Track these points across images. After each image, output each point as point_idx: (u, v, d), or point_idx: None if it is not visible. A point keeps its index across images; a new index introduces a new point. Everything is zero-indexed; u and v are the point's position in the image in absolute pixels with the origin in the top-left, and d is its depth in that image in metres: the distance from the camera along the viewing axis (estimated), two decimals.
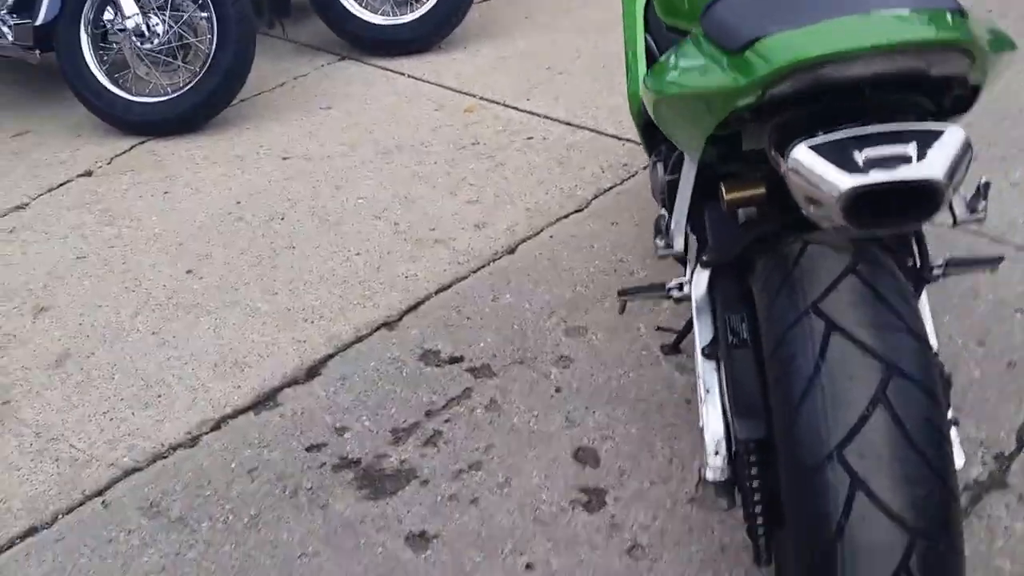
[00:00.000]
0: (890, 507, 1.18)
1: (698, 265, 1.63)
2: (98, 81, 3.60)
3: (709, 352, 1.53)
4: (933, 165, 1.07)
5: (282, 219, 3.02)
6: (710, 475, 1.45)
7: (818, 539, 1.21)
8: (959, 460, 1.42)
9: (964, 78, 1.20)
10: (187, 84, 3.56)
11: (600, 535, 1.88)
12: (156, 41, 3.58)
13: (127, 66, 3.65)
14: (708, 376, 1.50)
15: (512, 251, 2.74)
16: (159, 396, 2.38)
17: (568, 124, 3.35)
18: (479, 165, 3.17)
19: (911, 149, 1.08)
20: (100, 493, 2.12)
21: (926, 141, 1.09)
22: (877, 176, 1.07)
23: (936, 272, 1.84)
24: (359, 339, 2.49)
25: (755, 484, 1.40)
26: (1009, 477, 1.91)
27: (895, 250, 1.56)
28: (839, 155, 1.11)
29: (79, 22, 3.57)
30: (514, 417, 2.18)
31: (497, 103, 3.55)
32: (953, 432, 1.42)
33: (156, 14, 3.58)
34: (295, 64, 4.05)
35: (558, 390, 2.24)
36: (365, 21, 4.01)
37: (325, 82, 3.89)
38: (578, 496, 1.97)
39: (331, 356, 2.45)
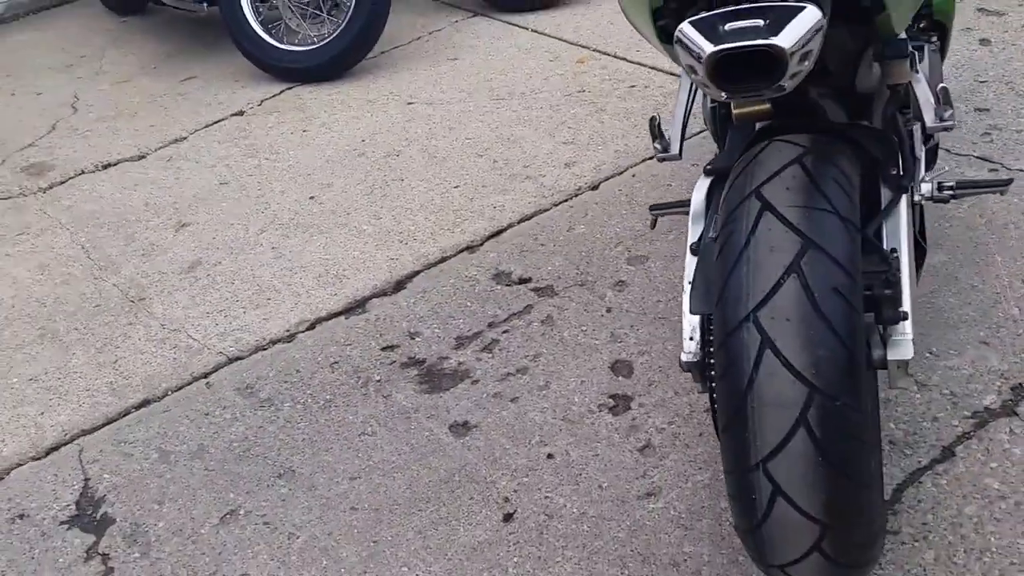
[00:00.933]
0: (793, 364, 1.26)
1: (703, 173, 1.70)
2: (255, 31, 3.91)
3: (694, 248, 1.61)
4: (779, 35, 1.13)
5: (397, 155, 3.23)
6: (684, 358, 1.53)
7: (732, 393, 1.30)
8: (904, 352, 1.47)
9: None
10: (330, 35, 3.82)
11: (618, 434, 1.99)
12: None
13: (280, 18, 3.95)
14: (690, 269, 1.58)
15: (595, 187, 2.85)
16: (268, 299, 2.64)
17: (670, 74, 3.40)
18: (580, 110, 3.28)
19: (764, 22, 1.15)
20: (206, 376, 2.40)
21: (782, 16, 1.15)
22: (732, 42, 1.15)
23: (947, 193, 1.85)
24: (443, 259, 2.66)
25: (710, 360, 1.48)
26: (1020, 407, 1.88)
27: (880, 159, 1.59)
28: (710, 28, 1.18)
29: None
30: (565, 331, 2.31)
31: (608, 54, 3.64)
32: (905, 326, 1.46)
33: None
34: (432, 20, 4.26)
35: (609, 310, 2.35)
36: None
37: (456, 36, 4.07)
38: (606, 401, 2.08)
39: (417, 272, 2.63)
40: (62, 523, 2.03)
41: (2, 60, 4.80)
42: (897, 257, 1.56)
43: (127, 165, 3.50)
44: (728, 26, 1.16)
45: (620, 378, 2.14)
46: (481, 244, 2.70)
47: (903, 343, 1.50)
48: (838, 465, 1.29)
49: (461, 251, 2.69)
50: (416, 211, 2.91)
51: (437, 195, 2.96)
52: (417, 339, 2.38)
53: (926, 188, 1.87)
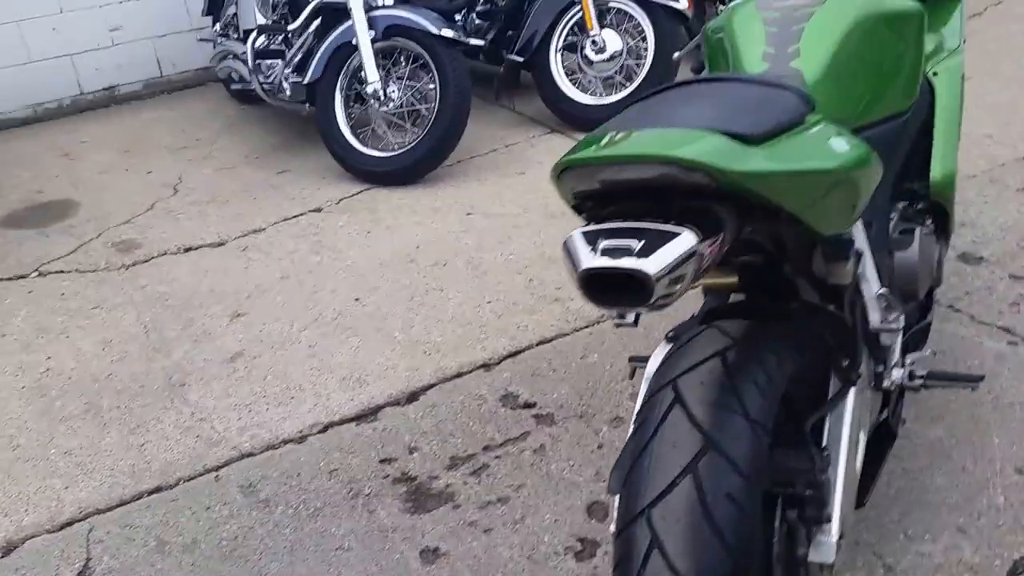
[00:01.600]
0: (677, 568, 1.22)
1: (664, 339, 1.69)
2: (343, 134, 4.10)
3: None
4: (648, 260, 1.13)
5: (444, 265, 3.30)
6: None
7: None
8: (824, 555, 1.44)
9: (713, 189, 1.22)
10: (410, 144, 3.97)
11: None
12: (391, 105, 4.02)
13: (368, 123, 4.13)
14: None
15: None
16: (292, 397, 2.72)
17: None
18: None
19: (638, 244, 1.14)
20: (217, 469, 2.48)
21: (656, 241, 1.14)
22: (602, 262, 1.14)
23: (917, 383, 1.78)
24: (459, 375, 2.70)
25: None
26: None
27: (834, 347, 1.55)
28: (590, 242, 1.18)
29: (336, 84, 4.09)
30: (553, 464, 2.30)
31: None
32: (830, 528, 1.42)
33: (395, 83, 4.02)
34: (511, 133, 4.37)
35: (600, 447, 2.33)
36: (575, 100, 4.26)
37: (529, 151, 4.16)
38: (574, 544, 2.05)
39: (432, 386, 2.67)
40: None
41: (129, 136, 5.16)
42: (827, 456, 1.51)
43: (206, 250, 3.70)
44: (605, 243, 1.16)
45: (593, 521, 2.11)
46: (498, 363, 2.72)
47: (826, 545, 1.45)
48: None
49: (477, 368, 2.72)
50: (446, 323, 2.96)
51: (469, 308, 3.01)
52: (415, 454, 2.41)
53: (897, 375, 1.81)
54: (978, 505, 2.02)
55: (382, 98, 3.97)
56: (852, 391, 1.56)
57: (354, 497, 2.30)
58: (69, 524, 2.36)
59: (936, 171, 1.98)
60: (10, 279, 3.70)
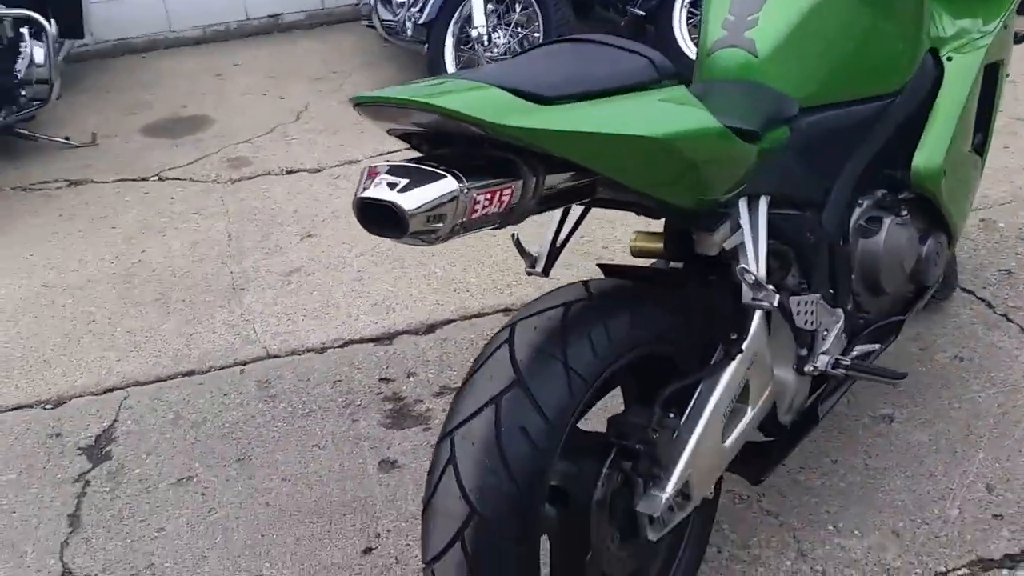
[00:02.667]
0: (463, 484, 1.33)
1: None
2: (447, 72, 4.29)
3: None
4: (405, 196, 1.17)
5: None
6: None
7: (425, 493, 1.39)
8: (650, 507, 1.51)
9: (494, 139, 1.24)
10: None
11: None
12: (496, 51, 4.18)
13: (475, 64, 4.30)
14: None
15: None
16: (327, 313, 2.96)
17: None
18: None
19: (405, 182, 1.21)
20: (244, 364, 2.75)
21: (424, 180, 1.19)
22: (369, 192, 1.20)
23: (840, 371, 1.79)
24: (479, 315, 2.85)
25: None
26: None
27: (722, 321, 1.60)
28: (372, 175, 1.23)
29: (448, 26, 4.28)
30: None
31: None
32: (664, 483, 1.50)
33: (504, 29, 4.17)
34: None
35: None
36: (691, 59, 4.25)
37: None
38: None
39: (451, 321, 2.84)
40: (78, 449, 2.45)
41: (278, 63, 5.56)
42: (673, 418, 1.57)
43: (303, 175, 4.00)
44: (381, 177, 1.22)
45: None
46: (517, 309, 2.85)
47: (654, 500, 1.52)
48: None
49: (498, 311, 2.87)
50: (486, 267, 3.12)
51: (514, 255, 3.15)
52: (411, 379, 2.59)
53: (823, 361, 1.82)
54: (927, 513, 2.00)
55: (486, 43, 4.13)
56: (732, 364, 1.59)
57: (346, 406, 2.51)
58: (110, 390, 2.69)
59: (919, 160, 1.94)
60: (134, 180, 4.14)
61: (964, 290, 2.75)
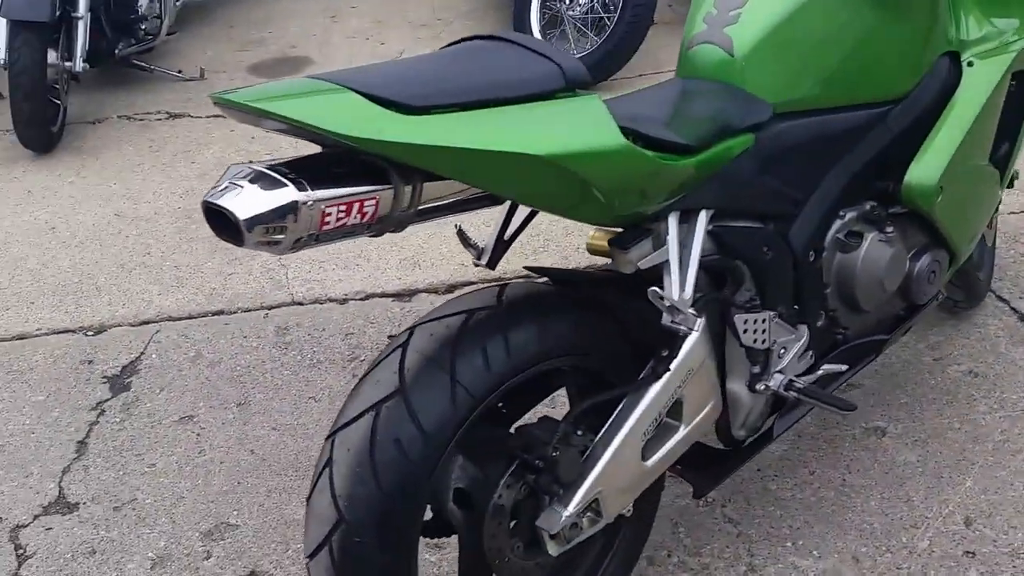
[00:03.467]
0: (335, 489, 1.33)
1: None
2: (531, 30, 4.22)
3: None
4: (241, 204, 1.13)
5: None
6: None
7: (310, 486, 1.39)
8: (548, 523, 1.48)
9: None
10: (586, 51, 4.02)
11: None
12: (577, 10, 4.07)
13: (555, 25, 4.21)
14: None
15: None
16: (358, 265, 3.01)
17: None
18: None
19: (250, 186, 1.14)
20: (269, 308, 2.84)
21: (268, 186, 1.14)
22: (210, 195, 1.16)
23: (792, 395, 1.69)
24: (499, 280, 2.83)
25: None
26: None
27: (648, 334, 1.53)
28: (230, 176, 1.19)
29: None
30: None
31: None
32: (568, 499, 1.47)
33: None
34: None
35: None
36: None
37: None
38: None
39: (471, 283, 2.85)
40: (104, 378, 2.60)
41: (390, 8, 5.62)
42: (580, 435, 1.52)
43: None
44: (232, 180, 1.17)
45: None
46: (538, 278, 2.82)
47: (553, 516, 1.48)
48: None
49: (518, 278, 2.84)
50: (528, 231, 3.08)
51: (559, 225, 3.10)
52: None
53: (776, 381, 1.73)
54: (894, 541, 1.89)
55: (568, 1, 4.03)
56: (658, 383, 1.52)
57: (350, 360, 2.56)
58: (146, 323, 2.82)
59: (912, 175, 1.78)
60: (224, 117, 4.26)
61: (999, 298, 2.56)
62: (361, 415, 1.36)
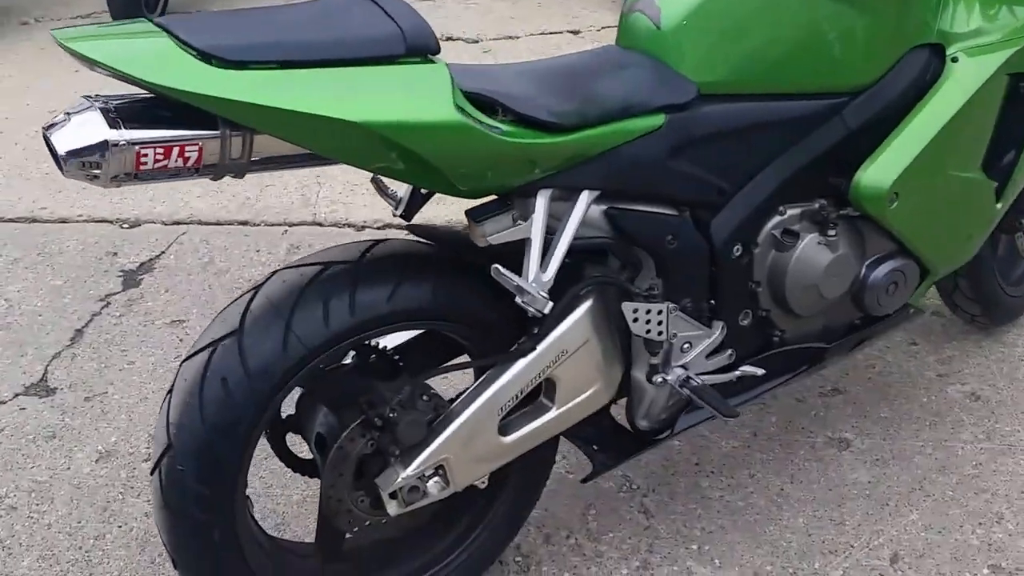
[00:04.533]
0: (168, 415, 1.36)
1: None
2: None
3: None
4: (60, 137, 1.15)
5: None
6: None
7: None
8: (386, 482, 1.46)
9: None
10: None
11: None
12: None
13: None
14: None
15: None
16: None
17: None
18: None
19: (78, 119, 1.15)
20: (291, 226, 2.88)
21: (89, 122, 1.14)
22: (45, 124, 1.18)
23: (685, 391, 1.59)
24: None
25: None
26: None
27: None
28: (67, 111, 1.18)
29: None
30: None
31: None
32: (407, 468, 1.44)
33: None
34: None
35: None
36: None
37: None
38: None
39: None
40: (121, 271, 2.72)
41: None
42: (426, 400, 1.47)
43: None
44: (69, 111, 1.18)
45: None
46: None
47: (390, 475, 1.46)
48: (175, 515, 1.38)
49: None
50: None
51: None
52: None
53: (675, 376, 1.61)
54: (805, 564, 1.74)
55: None
56: (521, 361, 1.46)
57: None
58: (176, 223, 2.93)
59: (861, 176, 1.59)
60: None
61: None
62: (202, 350, 1.37)
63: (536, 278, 1.40)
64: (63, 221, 2.94)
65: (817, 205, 1.64)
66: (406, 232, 1.62)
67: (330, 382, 1.50)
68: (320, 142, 1.24)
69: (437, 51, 1.28)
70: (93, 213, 2.98)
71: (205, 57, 1.16)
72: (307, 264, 1.42)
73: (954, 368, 2.17)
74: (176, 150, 1.20)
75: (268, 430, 1.56)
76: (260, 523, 1.60)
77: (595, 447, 1.70)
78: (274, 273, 1.43)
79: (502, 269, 1.38)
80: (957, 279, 2.09)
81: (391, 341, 1.57)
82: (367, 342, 1.51)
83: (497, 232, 1.40)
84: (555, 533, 1.84)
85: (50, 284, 2.66)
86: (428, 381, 1.54)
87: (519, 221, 1.41)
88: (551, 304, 1.41)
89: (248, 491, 1.48)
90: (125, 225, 2.93)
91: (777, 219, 1.62)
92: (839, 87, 1.58)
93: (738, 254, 1.60)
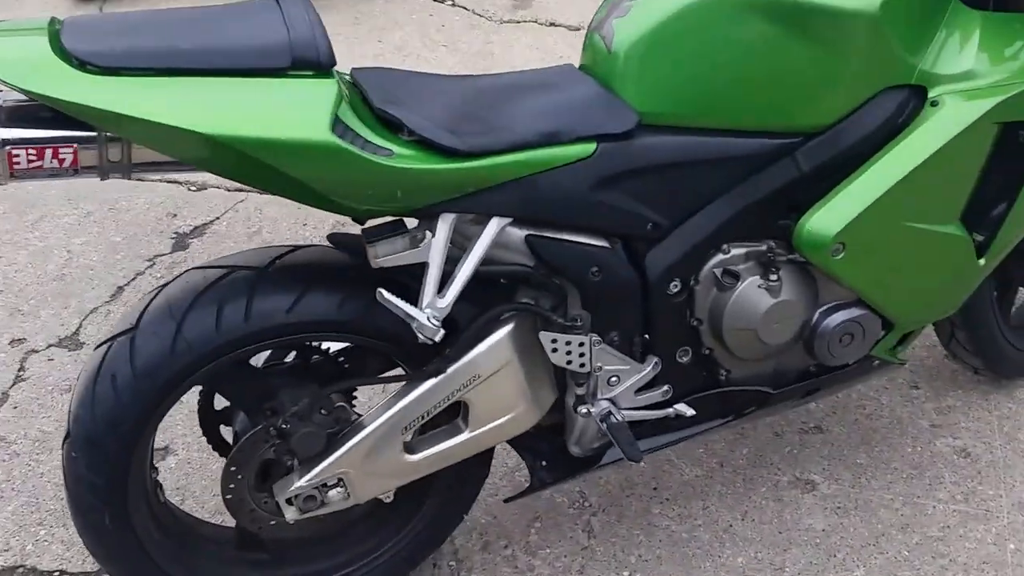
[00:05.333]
0: (74, 401, 1.43)
1: None
2: None
3: None
4: None
5: None
6: None
7: None
8: (279, 490, 1.52)
9: None
10: None
11: None
12: None
13: None
14: None
15: None
16: None
17: None
18: None
19: None
20: None
21: None
22: None
23: (604, 425, 1.58)
24: None
25: None
26: None
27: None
28: None
29: None
30: None
31: None
32: (300, 478, 1.50)
33: None
34: None
35: None
36: None
37: None
38: None
39: None
40: (175, 234, 2.86)
41: None
42: (325, 415, 1.50)
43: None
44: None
45: None
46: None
47: (284, 484, 1.52)
48: (72, 496, 1.46)
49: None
50: None
51: None
52: None
53: (599, 408, 1.58)
54: None
55: None
56: (428, 383, 1.48)
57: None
58: (238, 190, 3.04)
59: (805, 222, 1.50)
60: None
61: None
62: (105, 342, 1.43)
63: (431, 303, 1.41)
64: (140, 179, 3.13)
65: (765, 247, 1.57)
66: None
67: (236, 383, 1.53)
68: (184, 153, 1.28)
69: (329, 65, 1.29)
70: (168, 176, 3.14)
71: (80, 63, 1.21)
72: (214, 266, 1.47)
73: (951, 419, 2.04)
74: (49, 152, 1.26)
75: (202, 420, 1.62)
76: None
77: (543, 463, 1.70)
78: (185, 271, 1.49)
79: (386, 294, 1.39)
80: (954, 329, 1.96)
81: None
82: (308, 343, 1.55)
83: (388, 255, 1.40)
84: (495, 541, 1.86)
85: (110, 240, 2.84)
86: (348, 391, 1.58)
87: (418, 244, 1.41)
88: (442, 332, 1.41)
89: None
90: (192, 188, 3.08)
91: (720, 257, 1.56)
92: (794, 127, 1.50)
93: (675, 290, 1.56)
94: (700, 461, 1.99)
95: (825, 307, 1.63)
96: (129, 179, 1.35)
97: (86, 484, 1.45)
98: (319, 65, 1.28)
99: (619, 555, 1.82)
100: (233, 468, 1.52)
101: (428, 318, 1.40)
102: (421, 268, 1.42)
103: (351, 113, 1.31)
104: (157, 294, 1.45)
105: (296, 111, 1.26)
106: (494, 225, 1.42)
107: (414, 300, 1.41)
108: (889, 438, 2.01)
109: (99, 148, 1.28)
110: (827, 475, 1.94)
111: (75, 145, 1.27)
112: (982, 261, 1.66)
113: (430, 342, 1.41)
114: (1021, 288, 2.02)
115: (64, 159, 1.27)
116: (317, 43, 1.28)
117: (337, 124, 1.27)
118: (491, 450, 1.67)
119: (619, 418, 1.57)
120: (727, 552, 1.81)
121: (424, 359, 1.51)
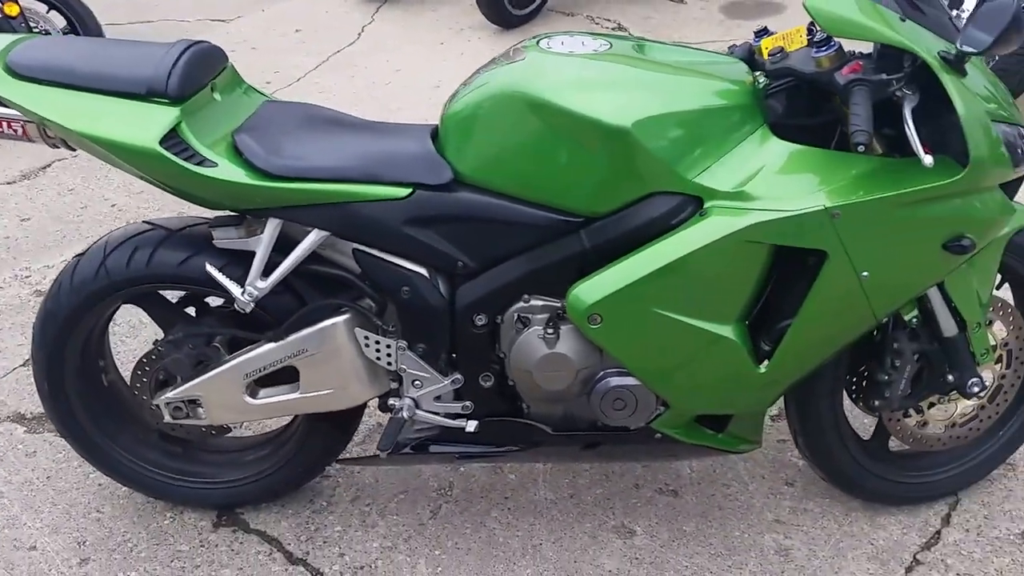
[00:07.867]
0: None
1: None
2: None
3: None
4: None
5: None
6: None
7: None
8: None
9: None
10: None
11: None
12: None
13: None
14: None
15: None
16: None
17: None
18: None
19: None
20: None
21: None
22: None
23: (404, 420, 1.91)
24: None
25: None
26: None
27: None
28: None
29: None
30: None
31: None
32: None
33: None
34: None
35: None
36: None
37: None
38: None
39: None
40: None
41: None
42: (191, 349, 1.95)
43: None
44: None
45: None
46: None
47: (163, 392, 1.99)
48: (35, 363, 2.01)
49: None
50: None
51: None
52: None
53: (403, 404, 1.91)
54: None
55: None
56: (264, 346, 1.88)
57: None
58: None
59: (572, 290, 1.74)
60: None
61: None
62: (68, 263, 1.97)
63: (253, 284, 1.81)
64: None
65: (559, 304, 1.79)
66: None
67: (153, 309, 2.04)
68: (68, 140, 1.81)
69: (176, 97, 1.74)
70: None
71: (11, 71, 1.78)
72: (149, 222, 1.94)
73: (797, 521, 2.09)
74: (6, 124, 1.84)
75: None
76: None
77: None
78: (138, 222, 1.99)
79: (212, 270, 1.81)
80: (794, 432, 2.01)
81: None
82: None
83: (223, 240, 1.84)
84: (363, 498, 2.22)
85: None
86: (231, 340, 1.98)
87: (250, 236, 1.82)
88: (253, 305, 1.81)
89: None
90: None
91: (521, 304, 1.82)
92: (576, 210, 1.74)
93: (481, 323, 1.83)
94: (559, 489, 2.20)
95: (609, 370, 1.83)
96: (74, 150, 1.87)
97: (43, 396, 2.03)
98: (167, 96, 1.74)
99: (442, 539, 2.10)
100: (139, 372, 2.01)
101: (243, 294, 1.80)
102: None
103: (199, 133, 1.75)
104: (114, 233, 1.95)
105: (136, 125, 1.74)
106: (314, 235, 1.80)
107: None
108: (728, 519, 2.11)
109: (37, 126, 1.83)
110: (649, 531, 2.08)
111: (21, 122, 1.83)
112: (762, 368, 1.76)
113: (242, 311, 1.83)
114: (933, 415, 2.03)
115: (16, 131, 1.85)
116: (169, 81, 1.73)
117: (170, 138, 1.72)
118: (353, 419, 2.04)
119: (406, 415, 1.87)
120: (522, 563, 2.03)
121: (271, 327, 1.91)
